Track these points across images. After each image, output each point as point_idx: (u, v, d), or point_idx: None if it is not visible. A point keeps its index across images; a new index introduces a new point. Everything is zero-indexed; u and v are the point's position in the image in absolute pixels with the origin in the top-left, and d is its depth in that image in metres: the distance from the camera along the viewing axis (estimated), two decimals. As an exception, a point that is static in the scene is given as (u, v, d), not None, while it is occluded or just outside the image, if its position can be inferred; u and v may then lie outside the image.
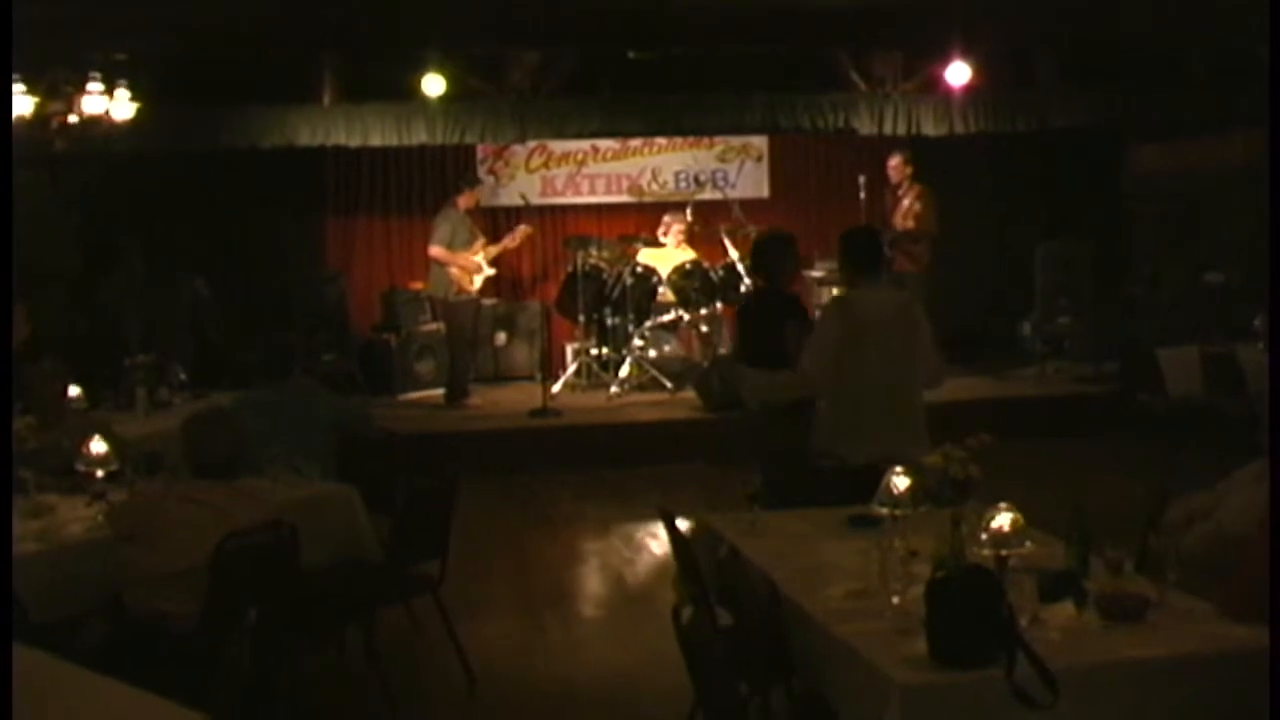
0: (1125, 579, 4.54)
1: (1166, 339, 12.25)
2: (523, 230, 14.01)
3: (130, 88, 10.96)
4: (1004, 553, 4.34)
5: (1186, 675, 4.07)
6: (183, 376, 10.30)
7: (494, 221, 14.97)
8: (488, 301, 14.47)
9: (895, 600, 4.40)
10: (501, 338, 14.72)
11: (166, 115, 12.16)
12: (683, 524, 6.08)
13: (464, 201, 13.52)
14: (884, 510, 4.99)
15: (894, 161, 13.80)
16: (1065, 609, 4.35)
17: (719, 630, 4.94)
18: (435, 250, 13.35)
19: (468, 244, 13.34)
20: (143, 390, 9.49)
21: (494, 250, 13.71)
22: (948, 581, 4.05)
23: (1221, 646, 4.15)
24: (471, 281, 13.34)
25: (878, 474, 5.19)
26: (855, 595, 4.64)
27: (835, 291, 11.81)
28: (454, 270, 13.26)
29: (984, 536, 4.40)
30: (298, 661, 6.09)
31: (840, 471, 6.37)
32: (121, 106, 10.82)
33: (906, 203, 13.60)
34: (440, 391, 13.90)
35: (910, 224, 13.49)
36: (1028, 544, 4.41)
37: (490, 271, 13.59)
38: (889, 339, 6.89)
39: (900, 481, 5.01)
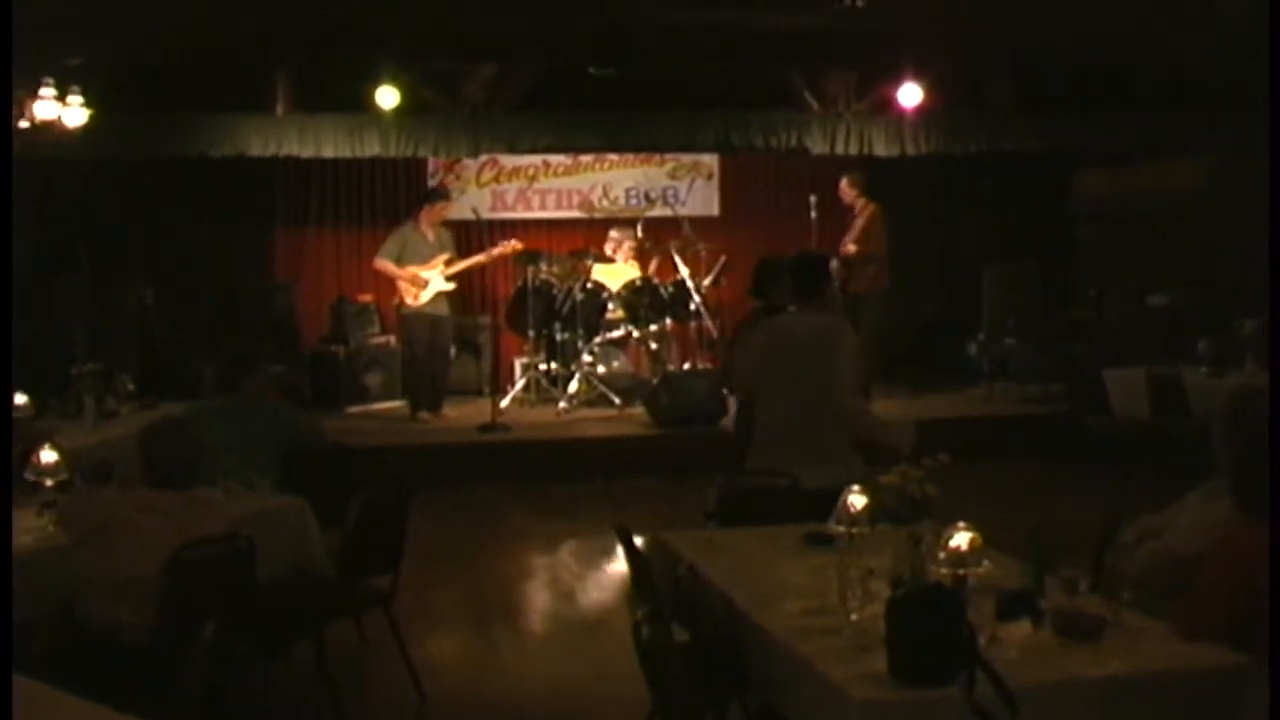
0: (1080, 599, 4.58)
1: (1112, 361, 12.35)
2: (510, 245, 13.81)
3: (83, 94, 10.88)
4: (962, 572, 4.37)
5: (1143, 693, 4.11)
6: (130, 386, 10.23)
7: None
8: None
9: (853, 618, 4.43)
10: (450, 351, 14.63)
11: (119, 122, 12.06)
12: (637, 540, 6.08)
13: (426, 216, 13.38)
14: (841, 528, 5.02)
15: (843, 183, 13.89)
16: (1022, 628, 4.39)
17: (676, 646, 4.94)
18: (376, 263, 13.34)
19: (425, 258, 13.17)
20: (90, 399, 9.41)
21: (461, 264, 13.52)
22: (909, 599, 4.06)
23: (1176, 665, 4.20)
24: (415, 296, 13.17)
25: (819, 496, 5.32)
26: (813, 613, 4.66)
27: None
28: (400, 283, 13.22)
29: (942, 555, 4.42)
30: (251, 675, 6.05)
31: (790, 492, 6.42)
32: (74, 113, 10.73)
33: (857, 223, 13.68)
34: (387, 405, 13.92)
35: (855, 247, 13.56)
36: (985, 563, 4.44)
37: (447, 287, 13.35)
38: (806, 361, 6.96)
39: (857, 500, 5.04)
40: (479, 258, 13.76)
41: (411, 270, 13.12)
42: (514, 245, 13.83)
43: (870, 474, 5.73)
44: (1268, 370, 10.07)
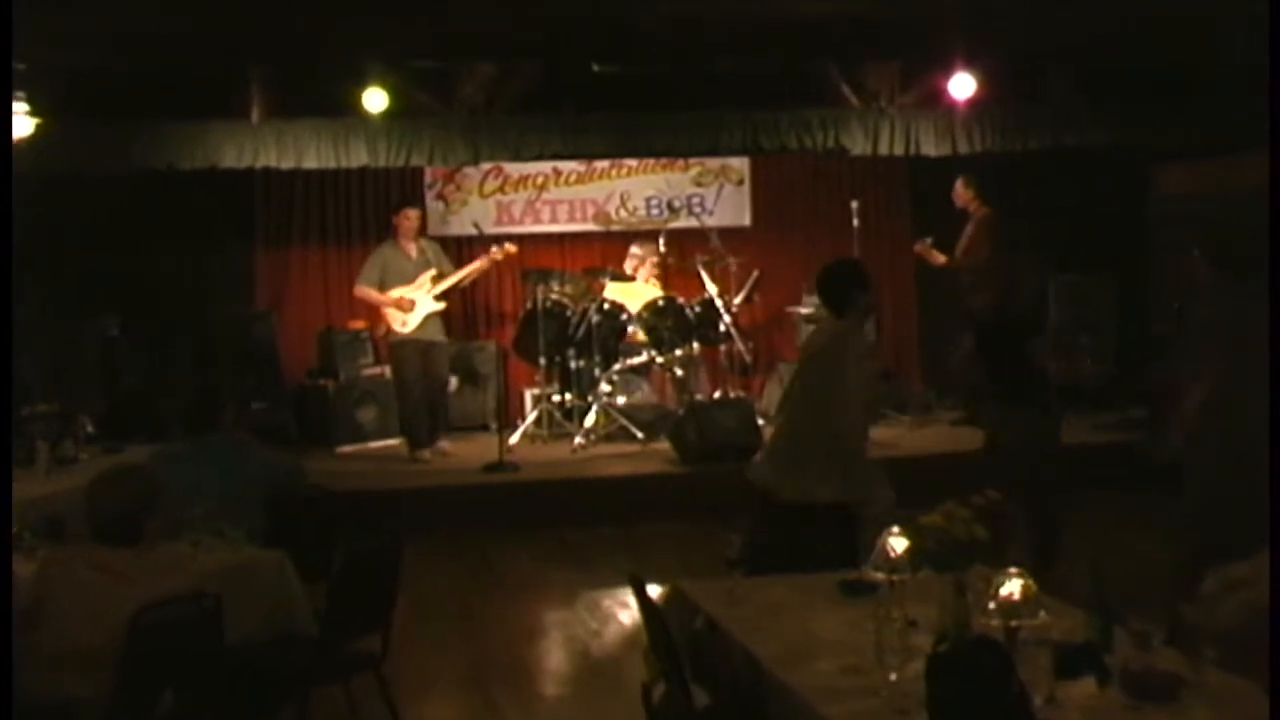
0: (1154, 654, 4.51)
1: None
2: (502, 250, 13.69)
3: (29, 101, 10.90)
4: (1014, 623, 4.32)
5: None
6: (90, 428, 10.27)
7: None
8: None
9: (892, 676, 4.38)
10: (453, 383, 14.60)
11: (71, 132, 12.09)
12: (655, 591, 6.06)
13: (400, 229, 13.43)
14: (880, 575, 4.97)
15: (957, 185, 13.99)
16: (1086, 687, 4.32)
17: (694, 711, 4.91)
18: (357, 290, 13.47)
19: (409, 278, 13.21)
20: (44, 444, 9.44)
21: (449, 280, 13.46)
22: (951, 655, 4.02)
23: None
24: (403, 322, 13.19)
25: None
26: (847, 671, 4.62)
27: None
28: (385, 310, 13.26)
29: (992, 605, 4.38)
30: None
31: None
32: (19, 122, 10.76)
33: (968, 230, 13.79)
34: (383, 443, 13.94)
35: (964, 258, 13.72)
36: (1042, 613, 4.39)
37: (436, 307, 13.33)
38: (811, 371, 7.40)
39: (898, 543, 4.99)
40: (466, 270, 13.73)
41: (394, 294, 13.14)
42: (507, 249, 13.72)
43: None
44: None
